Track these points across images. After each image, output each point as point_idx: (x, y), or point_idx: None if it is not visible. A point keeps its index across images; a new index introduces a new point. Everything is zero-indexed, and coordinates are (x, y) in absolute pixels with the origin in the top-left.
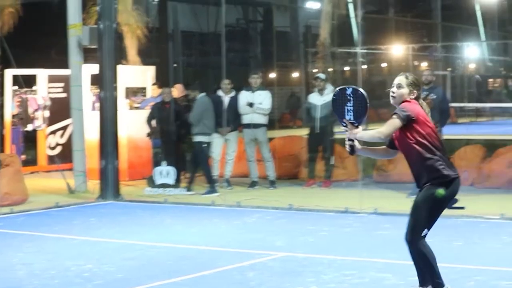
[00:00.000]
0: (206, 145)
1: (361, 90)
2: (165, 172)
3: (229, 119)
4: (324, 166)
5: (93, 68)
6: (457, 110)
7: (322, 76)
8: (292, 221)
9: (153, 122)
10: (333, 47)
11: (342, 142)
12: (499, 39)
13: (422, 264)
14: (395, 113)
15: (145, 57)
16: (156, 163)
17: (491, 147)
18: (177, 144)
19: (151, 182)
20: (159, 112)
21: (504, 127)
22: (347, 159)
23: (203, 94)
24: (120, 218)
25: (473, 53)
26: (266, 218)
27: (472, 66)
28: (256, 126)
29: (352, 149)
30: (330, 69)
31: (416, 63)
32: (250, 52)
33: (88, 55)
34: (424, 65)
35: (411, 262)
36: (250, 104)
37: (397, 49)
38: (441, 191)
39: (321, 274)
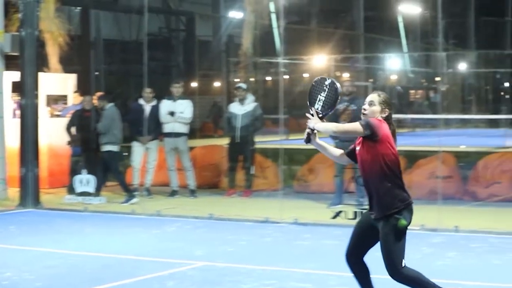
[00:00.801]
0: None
1: (338, 84)
2: (85, 181)
3: (150, 128)
4: (244, 176)
5: (14, 75)
6: None
7: (243, 86)
8: (212, 231)
9: (73, 130)
10: (255, 57)
11: (262, 151)
12: (421, 51)
13: (416, 286)
14: (360, 121)
15: (67, 65)
16: (75, 171)
17: (412, 158)
18: (97, 152)
19: (71, 190)
20: (79, 120)
21: (425, 138)
22: (267, 169)
23: (111, 104)
24: (40, 226)
25: (395, 64)
26: (186, 227)
27: (393, 77)
28: (177, 135)
29: (308, 138)
30: (252, 79)
31: (338, 73)
32: (172, 61)
33: (9, 62)
34: (345, 75)
35: (330, 272)
36: (172, 113)
37: (319, 59)
38: (403, 222)
39: (240, 283)
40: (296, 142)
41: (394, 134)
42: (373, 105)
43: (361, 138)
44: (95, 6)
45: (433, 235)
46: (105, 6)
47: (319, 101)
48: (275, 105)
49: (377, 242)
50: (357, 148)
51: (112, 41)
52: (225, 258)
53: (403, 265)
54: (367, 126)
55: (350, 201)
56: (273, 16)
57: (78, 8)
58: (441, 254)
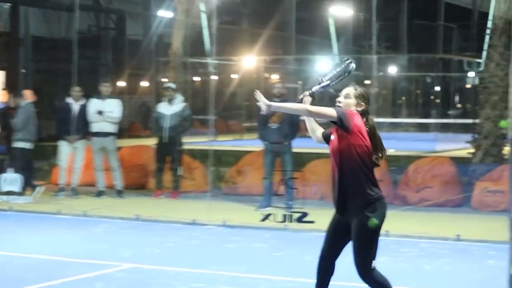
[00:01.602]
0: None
1: (353, 65)
2: (11, 179)
3: (78, 127)
4: (172, 177)
5: None
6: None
7: (172, 86)
8: (139, 232)
9: None
10: (185, 56)
11: (190, 152)
12: (353, 54)
13: None
14: (335, 107)
15: None
16: (0, 170)
17: None
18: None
19: None
20: (4, 118)
21: None
22: (195, 170)
23: (27, 101)
24: None
25: (325, 66)
26: (113, 228)
27: None
28: (105, 134)
29: (301, 100)
30: (181, 79)
31: (266, 75)
32: (101, 60)
33: None
34: (275, 77)
35: (259, 275)
36: (100, 112)
37: (249, 60)
38: (374, 221)
39: (168, 286)
40: (225, 143)
41: (373, 129)
42: (348, 98)
43: (336, 128)
44: (24, 3)
45: None
46: (34, 2)
47: (330, 73)
48: (204, 106)
49: (350, 239)
50: (332, 137)
51: (41, 38)
52: (153, 260)
53: (372, 266)
54: (340, 113)
55: (279, 203)
56: (204, 16)
57: (7, 4)
58: None
